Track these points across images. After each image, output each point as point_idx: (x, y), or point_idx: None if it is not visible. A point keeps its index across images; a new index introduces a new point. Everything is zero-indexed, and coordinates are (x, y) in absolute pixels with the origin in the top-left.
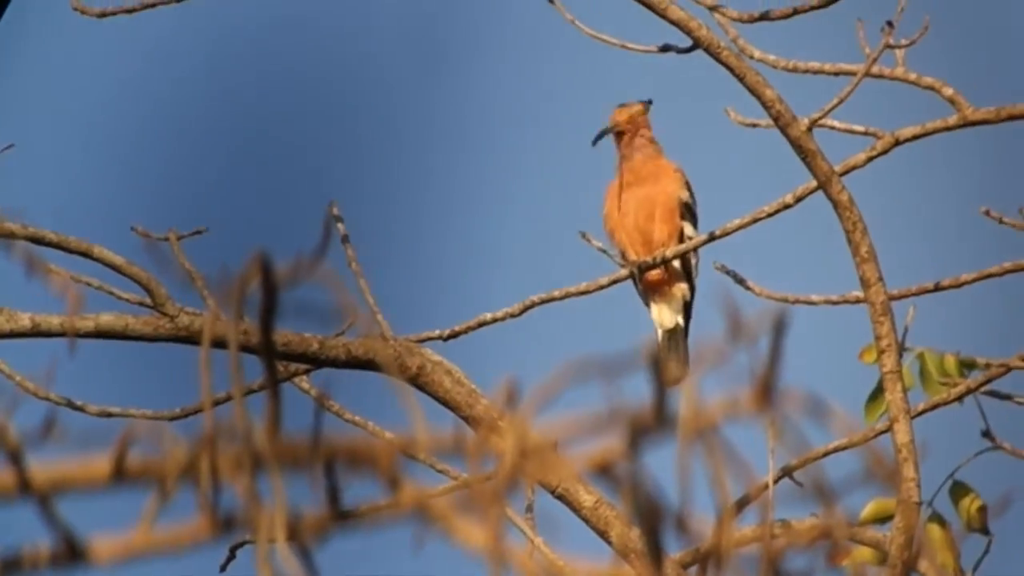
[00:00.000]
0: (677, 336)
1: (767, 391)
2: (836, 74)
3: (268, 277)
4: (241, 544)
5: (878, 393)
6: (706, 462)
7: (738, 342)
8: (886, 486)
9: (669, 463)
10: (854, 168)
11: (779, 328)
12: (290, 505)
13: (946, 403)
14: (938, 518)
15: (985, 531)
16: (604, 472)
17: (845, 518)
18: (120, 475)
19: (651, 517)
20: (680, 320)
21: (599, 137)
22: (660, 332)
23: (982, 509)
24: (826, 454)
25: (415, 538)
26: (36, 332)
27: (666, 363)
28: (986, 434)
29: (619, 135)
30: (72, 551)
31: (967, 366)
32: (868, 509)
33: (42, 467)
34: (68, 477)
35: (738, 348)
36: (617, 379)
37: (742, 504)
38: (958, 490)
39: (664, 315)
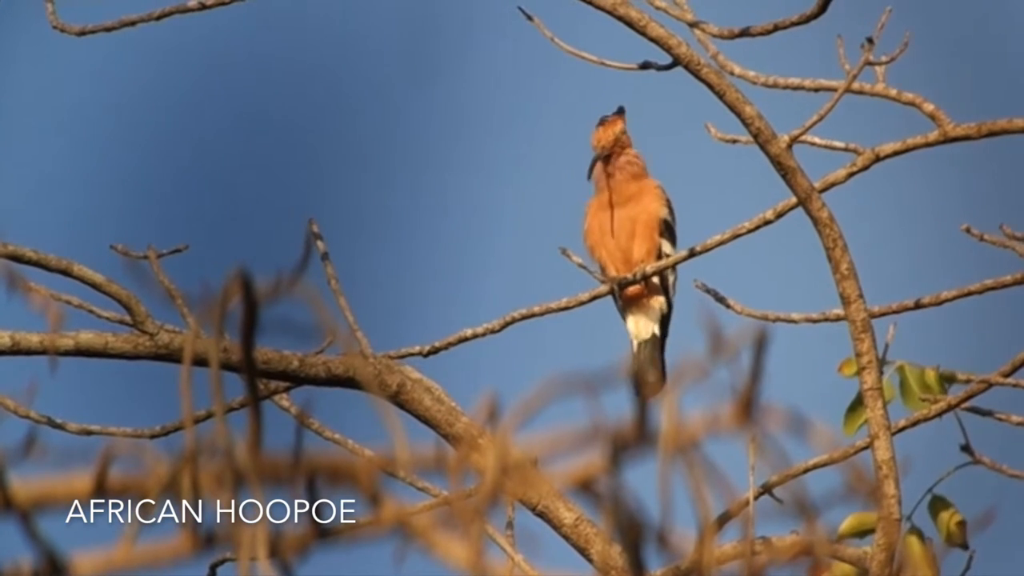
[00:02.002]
0: (653, 347)
1: (748, 407)
2: (816, 90)
3: (249, 294)
4: (221, 562)
5: (857, 404)
6: (687, 478)
7: (719, 358)
8: (867, 502)
9: (650, 479)
10: (834, 184)
11: (760, 344)
12: (271, 521)
13: (927, 419)
14: (918, 533)
15: (965, 546)
16: (585, 488)
17: (826, 534)
18: (102, 492)
19: (632, 533)
20: (656, 331)
21: (592, 167)
22: (635, 343)
23: (962, 524)
24: (807, 470)
25: (396, 554)
26: (16, 350)
27: (643, 376)
28: (965, 448)
29: (607, 157)
30: (54, 567)
31: (947, 380)
32: (847, 523)
33: (24, 484)
34: (50, 494)
35: (719, 364)
36: (598, 395)
37: (723, 521)
38: (938, 504)
39: (640, 326)
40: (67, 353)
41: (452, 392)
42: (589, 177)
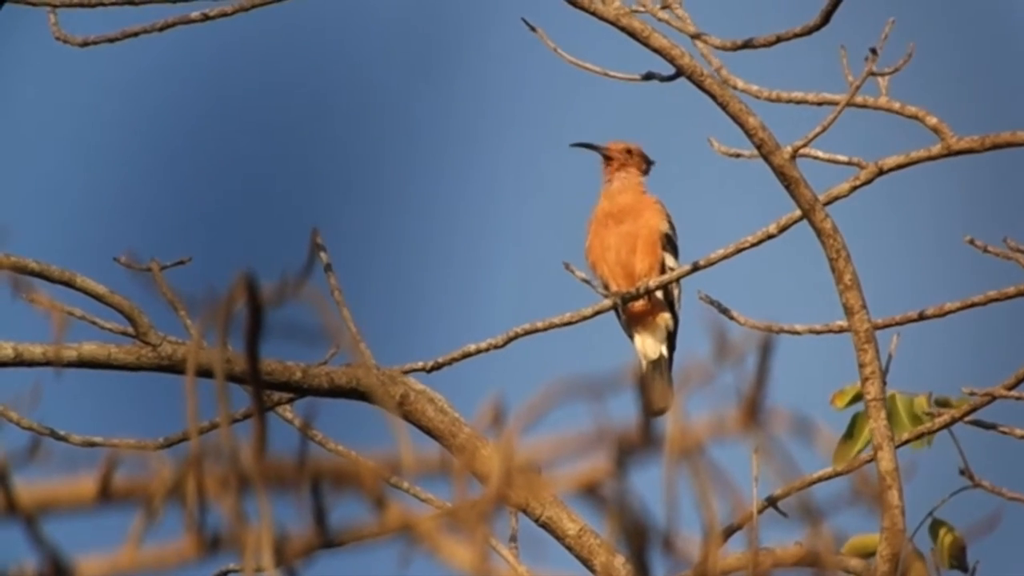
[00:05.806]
0: (661, 367)
1: (754, 411)
2: (820, 104)
3: (254, 297)
4: (225, 573)
5: (848, 436)
6: (693, 482)
7: (725, 362)
8: (873, 506)
9: (656, 483)
10: (838, 198)
11: (766, 349)
12: (276, 525)
13: (931, 432)
14: (918, 555)
15: (964, 568)
16: (590, 492)
17: (832, 540)
18: (106, 495)
19: (638, 537)
20: (664, 351)
21: (584, 146)
22: (645, 363)
23: (961, 546)
24: (811, 483)
25: (401, 557)
26: (19, 361)
27: (651, 397)
28: (964, 472)
29: (607, 160)
30: (58, 571)
31: (941, 405)
32: (849, 543)
33: (28, 488)
34: (54, 497)
35: (725, 368)
36: (603, 399)
37: (728, 533)
38: (937, 528)
39: (648, 346)
40: (70, 364)
41: (456, 407)
42: (573, 145)
